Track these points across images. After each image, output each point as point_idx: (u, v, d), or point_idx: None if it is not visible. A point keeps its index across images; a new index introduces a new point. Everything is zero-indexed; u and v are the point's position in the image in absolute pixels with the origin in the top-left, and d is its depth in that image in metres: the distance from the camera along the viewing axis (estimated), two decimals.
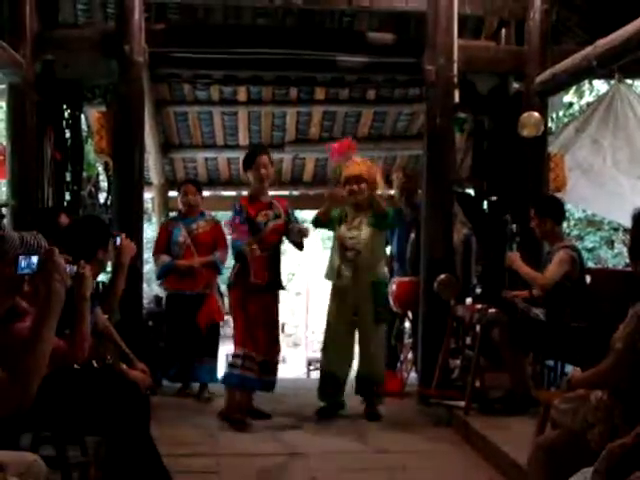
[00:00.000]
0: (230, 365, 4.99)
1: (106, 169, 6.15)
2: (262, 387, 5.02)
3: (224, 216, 15.26)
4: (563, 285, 4.67)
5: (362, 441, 4.69)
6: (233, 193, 9.40)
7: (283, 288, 5.20)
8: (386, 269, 5.24)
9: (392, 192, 6.82)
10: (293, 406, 5.43)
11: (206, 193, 9.48)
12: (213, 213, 12.92)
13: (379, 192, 5.13)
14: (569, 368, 4.82)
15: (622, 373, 2.70)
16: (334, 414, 5.18)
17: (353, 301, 5.12)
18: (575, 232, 12.59)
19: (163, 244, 5.71)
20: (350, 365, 5.29)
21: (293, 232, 4.99)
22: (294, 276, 14.27)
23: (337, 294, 5.20)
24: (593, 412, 2.71)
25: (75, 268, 2.88)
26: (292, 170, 8.86)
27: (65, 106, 5.98)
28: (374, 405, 5.21)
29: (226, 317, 5.81)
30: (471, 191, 6.63)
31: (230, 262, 5.28)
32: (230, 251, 5.18)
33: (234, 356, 4.95)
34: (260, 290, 4.95)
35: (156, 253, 5.73)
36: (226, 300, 5.58)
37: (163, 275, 5.74)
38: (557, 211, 4.94)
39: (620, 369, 2.70)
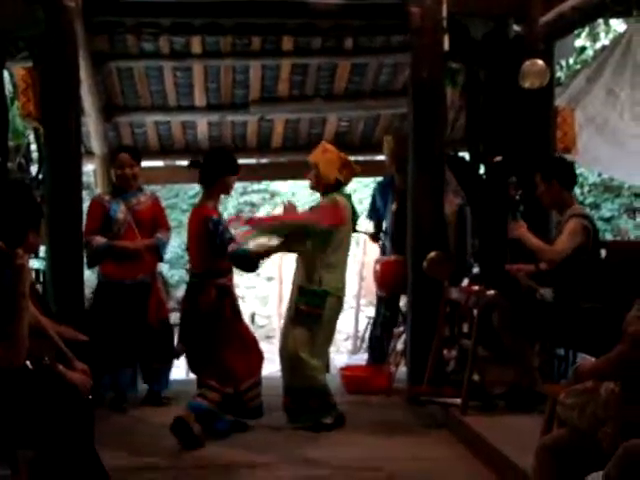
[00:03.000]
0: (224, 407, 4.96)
1: (37, 137, 6.08)
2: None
3: (181, 189, 15.19)
4: (576, 259, 4.69)
5: (341, 447, 4.72)
6: None
7: None
8: (329, 275, 5.16)
9: (383, 158, 6.84)
10: (268, 405, 5.46)
11: (159, 163, 9.51)
12: (169, 187, 12.74)
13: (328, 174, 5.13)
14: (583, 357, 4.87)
15: (637, 361, 2.72)
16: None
17: (289, 302, 5.28)
18: (590, 199, 12.64)
19: (97, 223, 5.59)
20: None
21: None
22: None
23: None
24: (603, 407, 2.73)
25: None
26: (258, 134, 8.78)
27: None
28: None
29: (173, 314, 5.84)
30: (465, 154, 6.65)
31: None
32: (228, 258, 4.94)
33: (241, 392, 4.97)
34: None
35: (88, 234, 5.57)
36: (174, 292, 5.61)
37: (97, 261, 5.66)
38: (566, 173, 4.95)
39: (635, 356, 2.72)
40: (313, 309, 5.00)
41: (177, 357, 5.52)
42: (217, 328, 4.89)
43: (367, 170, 7.13)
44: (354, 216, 5.29)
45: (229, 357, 4.90)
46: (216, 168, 4.99)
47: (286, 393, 5.13)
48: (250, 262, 4.87)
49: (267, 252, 4.89)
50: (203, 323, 4.89)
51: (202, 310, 4.89)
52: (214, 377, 4.88)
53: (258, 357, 5.13)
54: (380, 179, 7.17)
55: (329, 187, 5.15)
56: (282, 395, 5.16)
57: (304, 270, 5.09)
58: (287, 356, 5.11)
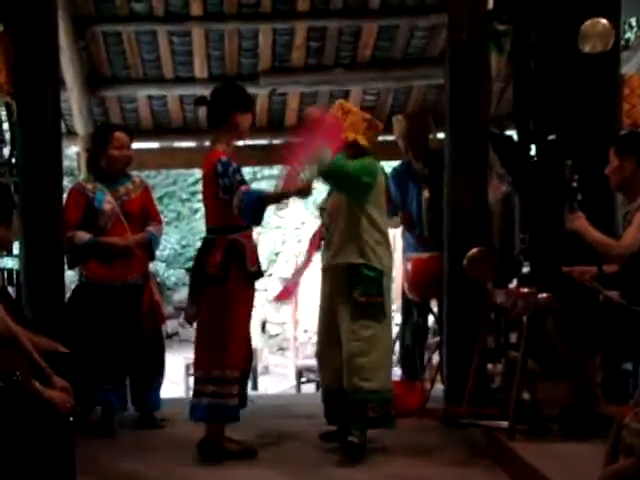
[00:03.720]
0: (220, 395, 4.96)
1: (9, 114, 6.10)
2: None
3: (179, 176, 15.17)
4: None
5: (371, 477, 4.71)
6: (190, 144, 9.34)
7: (262, 275, 5.37)
8: (379, 249, 5.19)
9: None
10: (281, 430, 5.49)
11: (153, 145, 9.53)
12: (164, 173, 12.71)
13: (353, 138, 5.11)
14: None
15: None
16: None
17: (330, 289, 5.21)
18: None
19: (79, 215, 5.59)
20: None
21: None
22: (278, 257, 14.28)
23: (322, 280, 5.31)
24: None
25: None
26: (269, 111, 8.81)
27: None
28: (351, 432, 5.10)
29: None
30: (513, 133, 6.60)
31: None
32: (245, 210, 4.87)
33: (226, 381, 4.95)
34: (251, 283, 5.10)
35: (69, 228, 5.56)
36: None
37: (80, 259, 5.66)
38: None
39: None
40: (374, 297, 5.02)
41: (190, 323, 5.47)
42: (219, 296, 4.91)
43: (398, 152, 7.11)
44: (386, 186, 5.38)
45: (228, 334, 4.92)
46: (224, 104, 4.99)
47: (346, 401, 5.07)
48: (260, 209, 4.84)
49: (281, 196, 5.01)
50: (206, 288, 4.94)
51: (207, 272, 4.91)
52: (201, 365, 5.00)
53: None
54: (394, 165, 7.13)
55: (352, 151, 5.11)
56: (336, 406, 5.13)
57: (347, 241, 5.07)
58: (348, 359, 5.04)
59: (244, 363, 5.09)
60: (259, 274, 5.16)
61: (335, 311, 5.16)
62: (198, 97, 5.27)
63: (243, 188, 4.80)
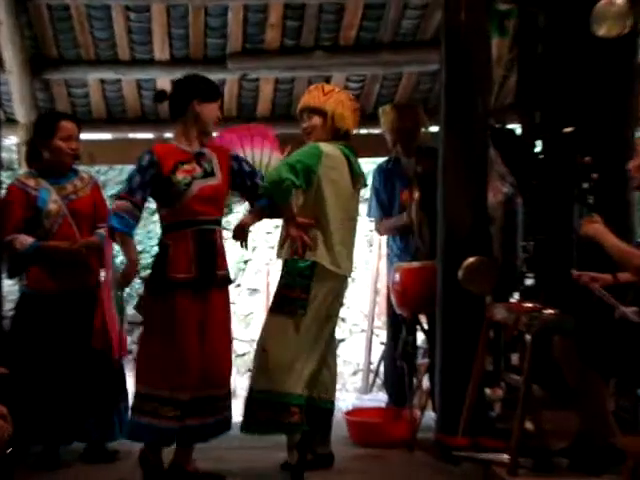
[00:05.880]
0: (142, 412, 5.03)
1: None
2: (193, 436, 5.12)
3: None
4: None
5: None
6: (148, 135, 9.31)
7: (229, 282, 5.33)
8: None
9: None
10: (249, 460, 5.52)
11: (106, 136, 9.49)
12: (118, 168, 12.67)
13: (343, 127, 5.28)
14: None
15: None
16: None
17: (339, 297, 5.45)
18: None
19: (20, 216, 5.57)
20: None
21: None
22: (247, 264, 14.24)
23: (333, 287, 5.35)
24: None
25: None
26: (239, 98, 8.80)
27: None
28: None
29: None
30: (516, 126, 6.62)
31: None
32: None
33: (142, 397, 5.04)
34: (186, 288, 5.04)
35: (9, 232, 5.54)
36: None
37: (22, 267, 5.65)
38: None
39: None
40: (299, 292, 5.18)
41: None
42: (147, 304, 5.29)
43: (385, 148, 7.12)
44: (354, 173, 5.38)
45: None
46: (181, 94, 5.15)
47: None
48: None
49: None
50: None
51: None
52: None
53: None
54: (380, 162, 7.13)
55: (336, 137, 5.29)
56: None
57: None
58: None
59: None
60: (197, 282, 5.07)
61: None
62: (158, 91, 5.34)
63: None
